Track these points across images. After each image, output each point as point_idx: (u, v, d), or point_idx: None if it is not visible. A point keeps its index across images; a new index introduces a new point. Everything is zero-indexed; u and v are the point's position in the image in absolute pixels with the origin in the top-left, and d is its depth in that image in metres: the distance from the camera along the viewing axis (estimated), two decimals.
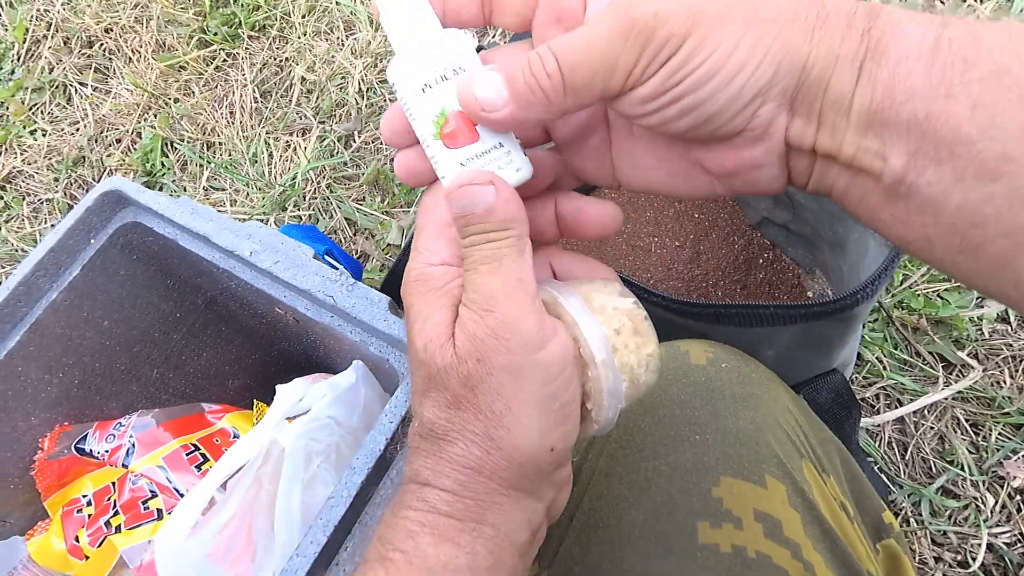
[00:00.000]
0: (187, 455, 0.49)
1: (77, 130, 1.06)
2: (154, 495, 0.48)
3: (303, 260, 0.44)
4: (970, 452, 0.71)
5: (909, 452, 0.72)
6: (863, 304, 0.41)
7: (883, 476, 0.71)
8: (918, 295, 0.78)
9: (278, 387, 0.45)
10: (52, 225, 0.99)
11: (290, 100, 1.00)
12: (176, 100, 1.04)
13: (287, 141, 0.97)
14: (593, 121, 0.28)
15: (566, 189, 0.30)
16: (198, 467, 0.49)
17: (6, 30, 1.19)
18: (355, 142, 0.95)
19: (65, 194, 1.01)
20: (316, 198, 0.92)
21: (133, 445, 0.49)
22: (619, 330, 0.26)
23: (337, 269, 0.45)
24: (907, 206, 0.22)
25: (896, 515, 0.69)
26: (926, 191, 0.21)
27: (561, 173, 0.29)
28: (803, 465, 0.34)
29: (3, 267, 0.97)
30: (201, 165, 0.98)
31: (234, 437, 0.53)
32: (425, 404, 0.25)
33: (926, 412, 0.74)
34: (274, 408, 0.43)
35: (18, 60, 1.16)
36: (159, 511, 0.48)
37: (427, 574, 0.23)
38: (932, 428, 0.73)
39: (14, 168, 1.05)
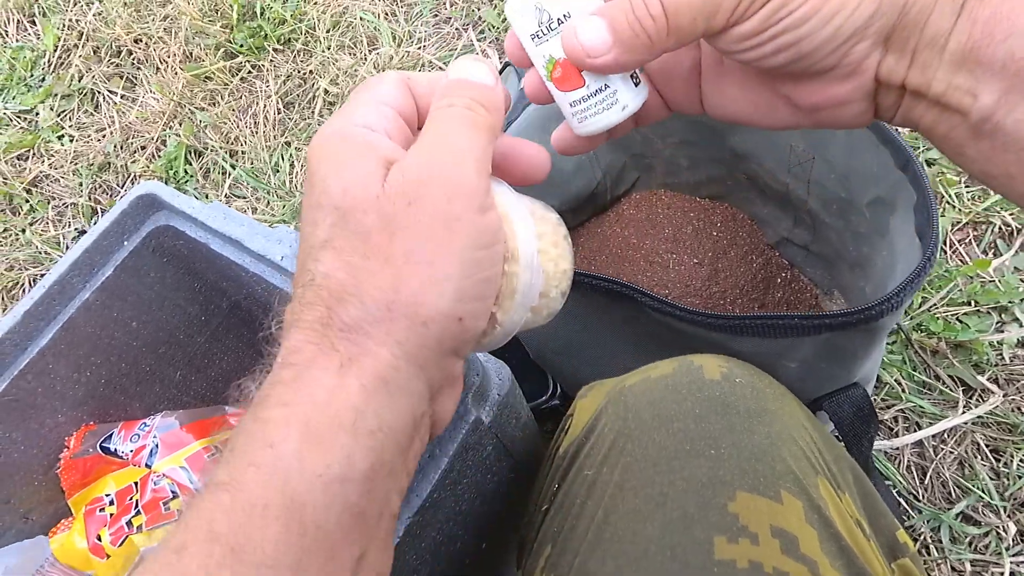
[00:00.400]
0: (209, 457, 0.50)
1: (103, 136, 1.08)
2: (175, 496, 0.48)
3: None
4: (991, 478, 0.70)
5: (928, 477, 0.71)
6: (887, 316, 0.41)
7: (902, 500, 0.70)
8: (937, 318, 0.78)
9: None
10: (76, 229, 1.01)
11: (313, 112, 1.01)
12: (201, 109, 1.06)
13: None
14: (685, 52, 0.29)
15: (654, 118, 0.30)
16: None
17: (38, 38, 1.22)
18: None
19: (90, 198, 1.03)
20: None
21: (156, 445, 0.49)
22: (542, 235, 0.26)
23: None
24: (992, 143, 0.22)
25: (915, 540, 0.68)
26: (1013, 129, 0.21)
27: (649, 101, 0.29)
28: (818, 482, 0.34)
29: (26, 269, 0.98)
30: (224, 173, 0.99)
31: None
32: (323, 255, 0.22)
33: (946, 436, 0.73)
34: None
35: (49, 67, 1.19)
36: (180, 512, 0.48)
37: (290, 498, 0.19)
38: (952, 453, 0.72)
39: (41, 172, 1.07)
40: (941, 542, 0.67)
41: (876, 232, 0.50)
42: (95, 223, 1.01)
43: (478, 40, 1.01)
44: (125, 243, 0.51)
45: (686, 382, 0.35)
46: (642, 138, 0.73)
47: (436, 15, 1.06)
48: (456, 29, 1.03)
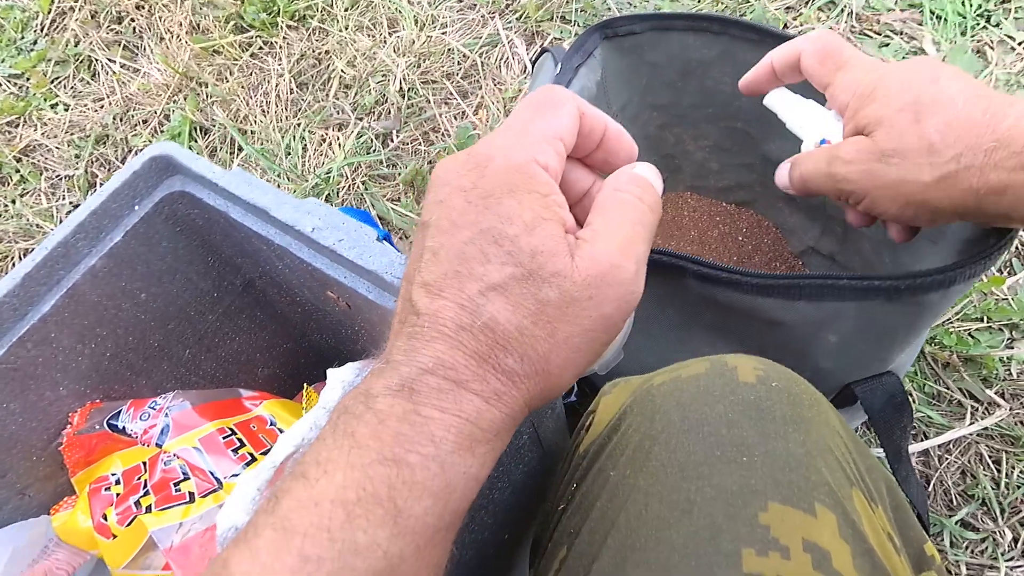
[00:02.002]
0: (223, 439, 0.47)
1: (101, 107, 1.04)
2: (186, 477, 0.45)
3: (366, 241, 0.42)
4: (992, 487, 0.70)
5: (932, 485, 0.72)
6: (936, 292, 0.39)
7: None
8: (951, 332, 0.78)
9: (329, 371, 0.43)
10: (71, 203, 0.96)
11: (327, 94, 0.98)
12: (208, 85, 1.02)
13: (322, 135, 0.95)
14: None
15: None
16: (235, 451, 0.46)
17: None
18: (393, 141, 0.94)
19: (87, 172, 0.98)
20: (350, 194, 0.90)
21: (168, 425, 0.46)
22: None
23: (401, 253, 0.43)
24: None
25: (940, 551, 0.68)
26: None
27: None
28: (853, 493, 0.32)
29: (16, 242, 0.94)
30: (232, 152, 0.96)
31: (271, 425, 0.50)
32: (495, 299, 0.24)
33: (951, 446, 0.73)
34: (328, 390, 0.41)
35: (42, 31, 1.14)
36: (191, 494, 0.45)
37: (445, 483, 0.23)
38: (956, 462, 0.72)
39: (33, 140, 1.02)
40: (941, 546, 0.67)
41: (927, 238, 0.49)
42: (91, 196, 0.97)
43: (505, 29, 0.99)
44: (136, 207, 0.47)
45: (719, 384, 0.33)
46: (675, 139, 0.72)
47: (461, 0, 1.04)
48: (482, 16, 1.01)
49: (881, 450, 0.73)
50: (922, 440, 0.73)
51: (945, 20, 0.91)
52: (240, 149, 0.96)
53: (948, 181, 0.35)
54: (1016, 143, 0.33)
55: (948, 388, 0.76)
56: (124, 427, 0.47)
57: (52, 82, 1.08)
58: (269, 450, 0.49)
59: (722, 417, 0.32)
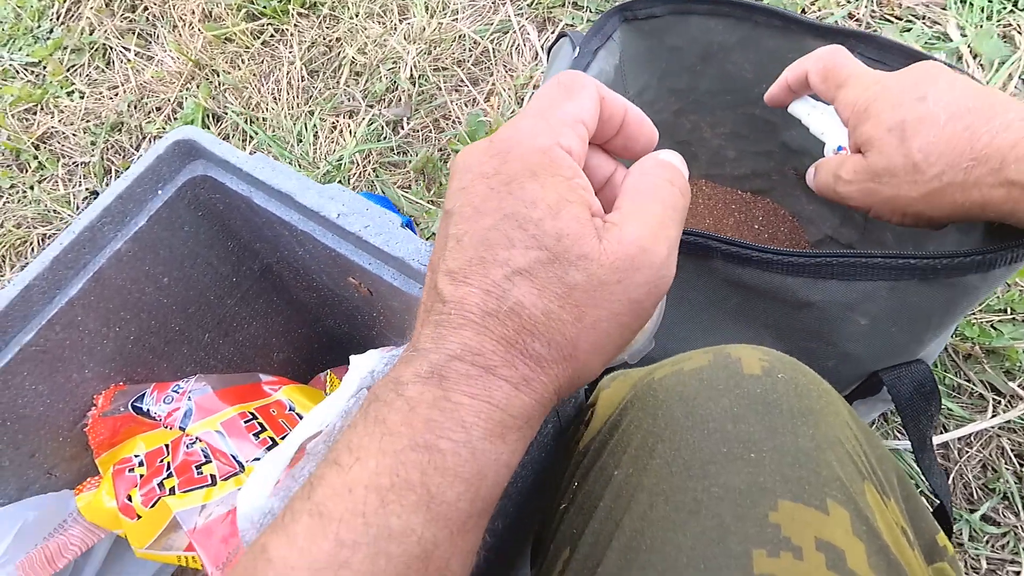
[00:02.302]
0: (245, 423, 0.47)
1: (116, 95, 1.05)
2: (208, 460, 0.46)
3: (392, 227, 0.42)
4: (1014, 482, 0.70)
5: (952, 478, 0.71)
6: (974, 275, 0.39)
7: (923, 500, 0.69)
8: (973, 324, 0.77)
9: (352, 358, 0.43)
10: (87, 189, 0.97)
11: (338, 81, 0.99)
12: (220, 72, 1.03)
13: (333, 122, 0.96)
14: None
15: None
16: (256, 435, 0.47)
17: None
18: (403, 128, 0.94)
19: (102, 158, 0.99)
20: (361, 181, 0.90)
21: (191, 409, 0.47)
22: None
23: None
24: None
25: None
26: None
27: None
28: (865, 488, 0.31)
29: (35, 227, 0.94)
30: (244, 140, 0.96)
31: (290, 410, 0.51)
32: (521, 283, 0.24)
33: (972, 439, 0.73)
34: (350, 376, 0.42)
35: (57, 19, 1.15)
36: (212, 476, 0.46)
37: (477, 469, 0.23)
38: (977, 456, 0.72)
39: (50, 128, 1.03)
40: (960, 539, 0.67)
41: (958, 229, 0.48)
42: (107, 184, 0.97)
43: (516, 15, 0.99)
44: (159, 192, 0.48)
45: (723, 377, 0.32)
46: (691, 126, 0.71)
47: None
48: (493, 2, 1.01)
49: (893, 440, 0.73)
50: (942, 433, 0.72)
51: (970, 4, 0.90)
52: (252, 137, 0.96)
53: (934, 196, 0.37)
54: (992, 160, 0.34)
55: (970, 380, 0.75)
56: (148, 410, 0.48)
57: (68, 70, 1.08)
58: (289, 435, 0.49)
59: (727, 412, 0.31)
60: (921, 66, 0.40)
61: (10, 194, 0.98)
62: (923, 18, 0.92)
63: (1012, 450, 0.72)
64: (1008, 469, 0.71)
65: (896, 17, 0.93)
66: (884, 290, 0.41)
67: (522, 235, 0.24)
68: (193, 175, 0.48)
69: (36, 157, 1.00)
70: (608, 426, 0.35)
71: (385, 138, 0.94)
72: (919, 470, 0.71)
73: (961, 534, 0.68)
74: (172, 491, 0.44)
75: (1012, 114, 0.35)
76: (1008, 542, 0.67)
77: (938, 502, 0.47)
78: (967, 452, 0.72)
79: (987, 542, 0.67)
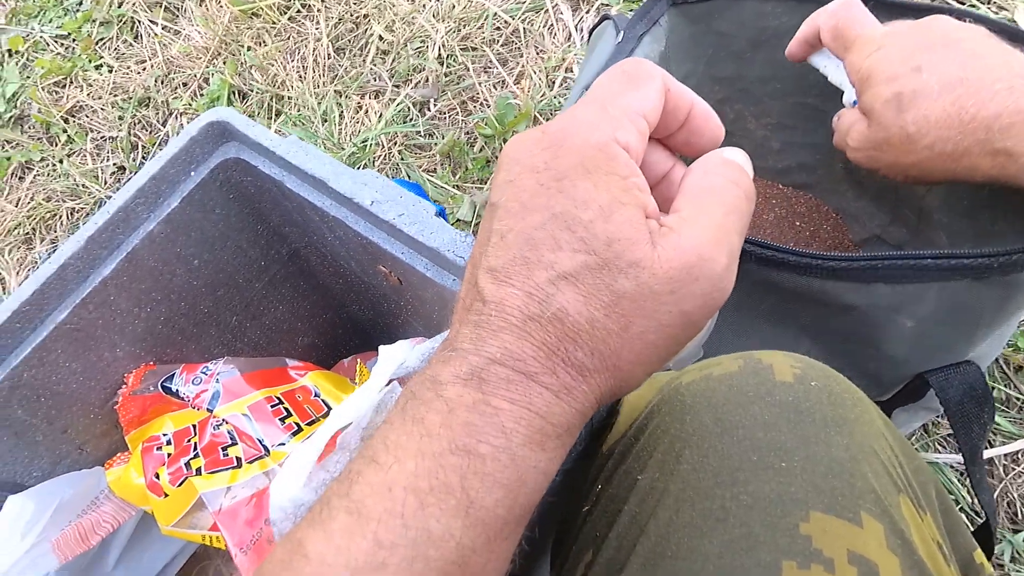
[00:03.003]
0: (271, 407, 0.48)
1: (144, 69, 1.05)
2: (233, 443, 0.46)
3: (426, 217, 0.41)
4: None
5: (996, 495, 0.68)
6: None
7: (963, 518, 0.68)
8: None
9: (381, 348, 0.43)
10: (115, 164, 0.98)
11: (364, 59, 0.98)
12: (247, 48, 1.02)
13: (359, 102, 0.95)
14: None
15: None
16: (282, 420, 0.47)
17: None
18: (430, 110, 0.93)
19: (129, 133, 0.99)
20: (387, 164, 0.90)
21: (219, 391, 0.47)
22: None
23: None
24: None
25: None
26: None
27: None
28: (900, 500, 0.30)
29: (64, 201, 0.95)
30: (270, 118, 0.96)
31: (315, 396, 0.51)
32: (566, 288, 0.22)
33: (1020, 457, 0.70)
34: (380, 368, 0.41)
35: None
36: (238, 459, 0.46)
37: (516, 476, 0.22)
38: None
39: (79, 101, 1.03)
40: (1001, 560, 0.65)
41: (1017, 231, 0.45)
42: (133, 160, 0.98)
43: None
44: (192, 173, 0.48)
45: (753, 383, 0.31)
46: (735, 116, 0.69)
47: None
48: None
49: (932, 453, 0.71)
50: (988, 448, 0.69)
51: None
52: (278, 115, 0.96)
53: (927, 163, 0.39)
54: (979, 132, 0.37)
55: (1020, 393, 0.72)
56: (177, 390, 0.48)
57: (97, 43, 1.08)
58: (314, 421, 0.50)
59: (758, 419, 0.30)
60: (923, 27, 0.41)
61: (40, 167, 0.99)
62: (989, 2, 0.88)
63: None
64: None
65: (959, 0, 0.89)
66: (933, 291, 0.39)
67: (570, 237, 0.23)
68: (226, 157, 0.48)
69: (65, 131, 1.01)
70: (634, 429, 0.35)
71: (411, 120, 0.93)
72: (969, 484, 0.68)
73: (1003, 555, 0.65)
74: (199, 471, 0.45)
75: (1000, 84, 0.37)
76: None
77: (982, 520, 0.46)
78: (1014, 469, 0.69)
79: None
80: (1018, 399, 0.72)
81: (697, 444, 0.30)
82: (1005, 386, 0.72)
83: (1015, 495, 0.68)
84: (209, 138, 0.47)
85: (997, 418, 0.71)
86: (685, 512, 0.29)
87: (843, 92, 0.48)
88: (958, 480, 0.69)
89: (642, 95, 0.24)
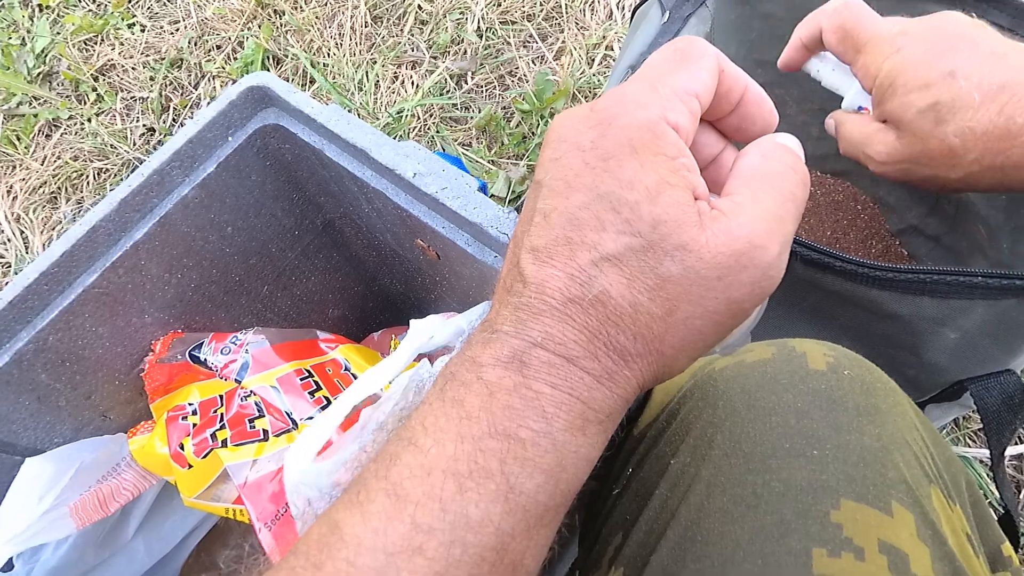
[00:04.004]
0: (301, 380, 0.46)
1: (177, 30, 1.03)
2: (261, 415, 0.45)
3: (469, 191, 0.39)
4: None
5: (1023, 491, 0.67)
6: None
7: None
8: None
9: (412, 322, 0.42)
10: (144, 125, 0.96)
11: (402, 29, 0.95)
12: (284, 13, 1.00)
13: (395, 72, 0.92)
14: None
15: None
16: (311, 393, 0.46)
17: None
18: (467, 83, 0.90)
19: (160, 95, 0.98)
20: (422, 135, 0.87)
21: (248, 362, 0.46)
22: None
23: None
24: None
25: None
26: None
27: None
28: (932, 491, 0.30)
29: (92, 161, 0.94)
30: (304, 85, 0.94)
31: (345, 370, 0.50)
32: (609, 270, 0.22)
33: None
34: (408, 342, 0.40)
35: None
36: (264, 431, 0.45)
37: (557, 461, 0.22)
38: None
39: (109, 60, 1.02)
40: (1023, 557, 0.64)
41: None
42: (164, 121, 0.96)
43: None
44: (230, 139, 0.46)
45: (787, 371, 0.31)
46: (777, 100, 0.66)
47: None
48: None
49: (962, 448, 0.69)
50: (1018, 443, 0.69)
51: None
52: (312, 82, 0.94)
53: (973, 177, 0.36)
54: None
55: None
56: (205, 359, 0.47)
57: (130, 2, 1.07)
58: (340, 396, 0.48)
59: (791, 407, 0.30)
60: (939, 25, 0.38)
61: (68, 125, 0.98)
62: None
63: None
64: None
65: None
66: (979, 307, 0.38)
67: (615, 218, 0.22)
68: (264, 123, 0.46)
69: (95, 89, 1.00)
70: (666, 414, 0.35)
71: (448, 92, 0.90)
72: (993, 480, 0.69)
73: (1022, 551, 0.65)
74: (224, 443, 0.44)
75: None
76: None
77: (1003, 511, 0.46)
78: None
79: None
80: None
81: (729, 430, 0.30)
82: None
83: None
84: (248, 103, 0.46)
85: None
86: (716, 497, 0.29)
87: (842, 97, 0.44)
88: (987, 475, 0.68)
89: (694, 74, 0.24)
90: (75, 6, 1.09)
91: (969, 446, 0.70)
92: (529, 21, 0.93)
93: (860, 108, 0.42)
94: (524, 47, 0.92)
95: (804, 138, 0.75)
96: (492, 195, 0.83)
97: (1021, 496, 0.67)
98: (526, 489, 0.21)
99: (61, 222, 0.91)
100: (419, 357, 0.42)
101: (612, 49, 0.90)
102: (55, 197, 0.93)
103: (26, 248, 0.90)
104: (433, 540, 0.20)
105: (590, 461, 0.23)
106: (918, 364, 0.46)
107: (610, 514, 0.35)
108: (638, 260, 0.22)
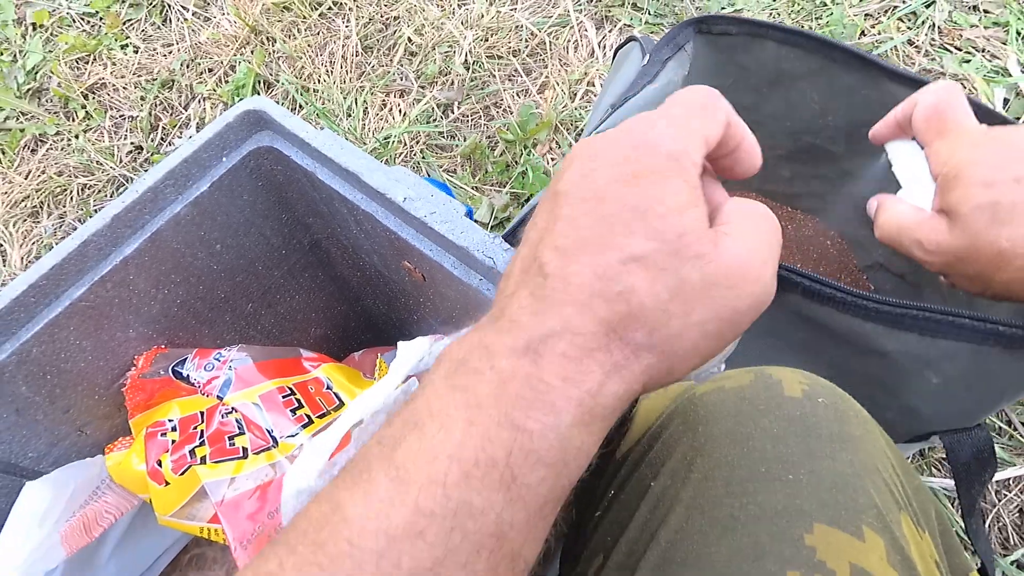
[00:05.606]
0: (283, 397, 0.47)
1: (170, 52, 1.04)
2: (241, 432, 0.45)
3: (456, 216, 0.41)
4: None
5: (988, 521, 0.70)
6: None
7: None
8: None
9: (400, 343, 0.43)
10: (132, 143, 0.97)
11: (392, 59, 0.98)
12: (277, 40, 1.02)
13: (384, 100, 0.95)
14: None
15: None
16: (293, 411, 0.46)
17: None
18: (453, 112, 0.93)
19: (150, 114, 0.99)
20: (408, 161, 0.89)
21: (231, 379, 0.46)
22: None
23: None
24: None
25: None
26: None
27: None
28: (901, 518, 0.31)
29: (76, 177, 0.94)
30: (293, 110, 0.96)
31: (327, 388, 0.50)
32: (636, 269, 0.23)
33: (1011, 483, 0.71)
34: (398, 364, 0.41)
35: None
36: (244, 449, 0.45)
37: (561, 455, 0.22)
38: (1016, 499, 0.70)
39: (101, 79, 1.03)
40: None
41: None
42: (152, 140, 0.97)
43: (576, 11, 0.97)
44: (224, 159, 0.47)
45: (764, 397, 0.33)
46: None
47: None
48: None
49: (927, 477, 0.71)
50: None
51: None
52: (301, 107, 0.95)
53: (1018, 284, 0.36)
54: None
55: (1011, 424, 0.73)
56: (188, 375, 0.47)
57: (124, 23, 1.08)
58: (325, 413, 0.49)
59: (767, 432, 0.31)
60: (1018, 138, 0.38)
61: (55, 140, 0.98)
62: (983, 51, 0.89)
63: None
64: None
65: (956, 47, 0.90)
66: (965, 352, 0.40)
67: (643, 226, 0.24)
68: (259, 145, 0.47)
69: (84, 107, 1.00)
70: (647, 437, 0.35)
71: (434, 120, 0.92)
72: (967, 533, 0.70)
73: None
74: (203, 460, 0.44)
75: None
76: None
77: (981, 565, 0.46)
78: (1006, 495, 0.71)
79: None
80: (1009, 430, 0.73)
81: (709, 453, 0.31)
82: (998, 417, 0.74)
83: (1007, 520, 0.69)
84: (244, 125, 0.47)
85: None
86: (695, 520, 0.29)
87: (902, 186, 0.44)
88: (951, 504, 0.70)
89: (710, 123, 0.26)
90: (69, 26, 1.11)
91: (934, 475, 0.72)
92: (514, 56, 0.96)
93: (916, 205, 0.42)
94: (509, 80, 0.95)
95: (776, 178, 0.78)
96: (476, 220, 0.84)
97: (986, 524, 0.69)
98: (529, 481, 0.22)
99: (41, 236, 0.90)
100: (408, 379, 0.43)
101: (593, 85, 0.93)
102: (36, 211, 0.93)
103: (3, 261, 0.89)
104: (434, 525, 0.21)
105: (589, 456, 0.24)
106: (898, 407, 0.47)
107: (591, 536, 0.35)
108: (664, 262, 0.23)
